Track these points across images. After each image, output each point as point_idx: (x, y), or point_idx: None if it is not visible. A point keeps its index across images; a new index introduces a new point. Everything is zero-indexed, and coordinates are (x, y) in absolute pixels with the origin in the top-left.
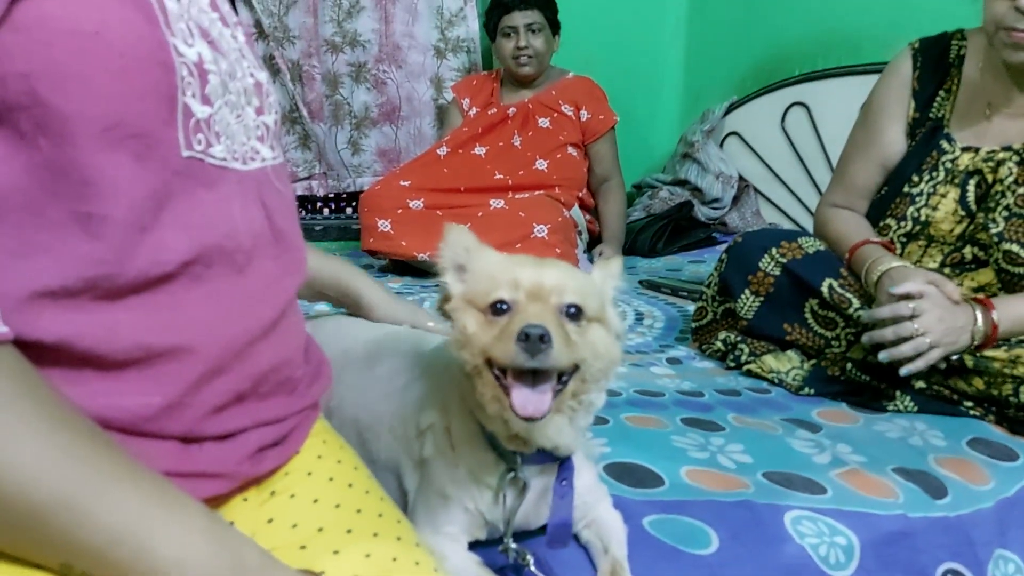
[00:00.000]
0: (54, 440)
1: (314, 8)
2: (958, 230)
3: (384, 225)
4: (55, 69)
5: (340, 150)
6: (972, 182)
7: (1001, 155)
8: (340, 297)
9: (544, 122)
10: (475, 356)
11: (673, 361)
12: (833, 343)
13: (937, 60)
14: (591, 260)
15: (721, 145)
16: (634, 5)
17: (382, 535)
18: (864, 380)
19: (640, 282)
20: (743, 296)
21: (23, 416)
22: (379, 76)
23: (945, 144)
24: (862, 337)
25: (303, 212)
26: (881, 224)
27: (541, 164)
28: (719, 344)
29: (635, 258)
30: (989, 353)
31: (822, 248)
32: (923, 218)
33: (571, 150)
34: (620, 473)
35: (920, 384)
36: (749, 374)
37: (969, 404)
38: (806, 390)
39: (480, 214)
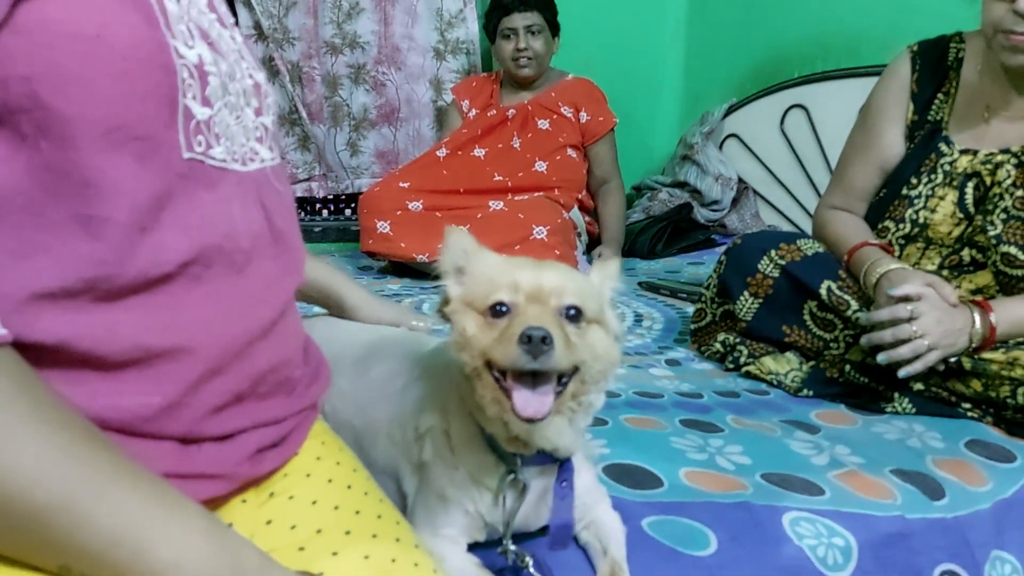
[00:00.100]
0: (53, 442)
1: (314, 10)
2: (956, 232)
3: (383, 226)
4: (56, 72)
5: (339, 152)
6: (970, 185)
7: (999, 158)
8: (323, 299)
9: (543, 124)
10: (475, 358)
11: (672, 363)
12: (832, 345)
13: (936, 63)
14: (590, 261)
15: (720, 147)
16: (634, 7)
17: (381, 536)
18: (863, 382)
19: (639, 284)
20: (742, 298)
21: (22, 418)
22: (378, 78)
23: (943, 147)
24: (861, 339)
25: (302, 214)
26: (880, 226)
27: (540, 166)
28: (718, 346)
29: (634, 260)
30: (987, 355)
31: (821, 250)
32: (921, 220)
33: (570, 152)
34: (619, 474)
35: (918, 386)
36: (748, 376)
37: (967, 406)
38: (805, 392)
39: (479, 216)
